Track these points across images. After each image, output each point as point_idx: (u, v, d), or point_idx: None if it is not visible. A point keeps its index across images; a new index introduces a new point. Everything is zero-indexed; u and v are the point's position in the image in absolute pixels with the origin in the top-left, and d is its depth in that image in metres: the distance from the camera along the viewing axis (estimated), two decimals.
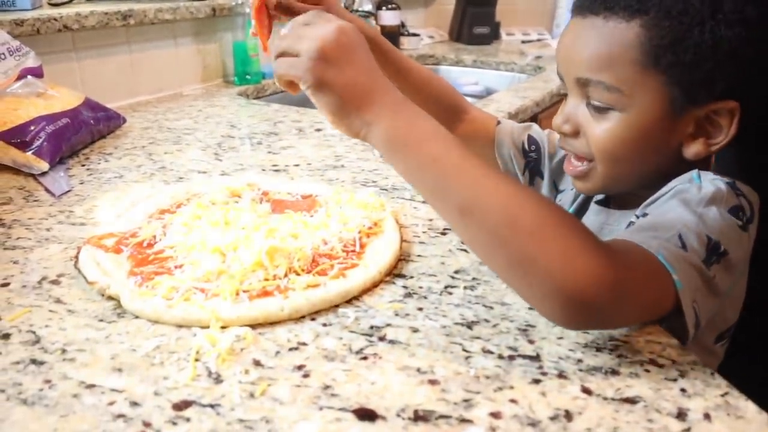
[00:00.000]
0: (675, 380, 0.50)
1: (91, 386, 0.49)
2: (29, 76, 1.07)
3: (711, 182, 0.61)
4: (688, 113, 0.63)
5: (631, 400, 0.47)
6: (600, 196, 0.79)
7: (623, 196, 0.75)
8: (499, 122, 0.92)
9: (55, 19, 1.25)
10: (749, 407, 0.46)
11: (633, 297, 0.51)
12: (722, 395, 0.48)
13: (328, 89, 0.54)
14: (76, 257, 0.68)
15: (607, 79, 0.63)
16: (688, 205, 0.58)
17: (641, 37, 0.61)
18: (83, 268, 0.64)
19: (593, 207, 0.79)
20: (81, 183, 0.94)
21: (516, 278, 0.50)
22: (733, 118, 0.63)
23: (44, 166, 0.96)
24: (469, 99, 1.82)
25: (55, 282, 0.65)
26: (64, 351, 0.53)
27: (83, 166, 1.02)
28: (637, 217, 0.62)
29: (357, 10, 1.96)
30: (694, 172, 0.63)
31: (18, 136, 0.97)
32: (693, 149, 0.65)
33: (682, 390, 0.49)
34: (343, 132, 0.56)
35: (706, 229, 0.56)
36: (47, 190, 0.90)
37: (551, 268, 0.47)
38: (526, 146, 0.90)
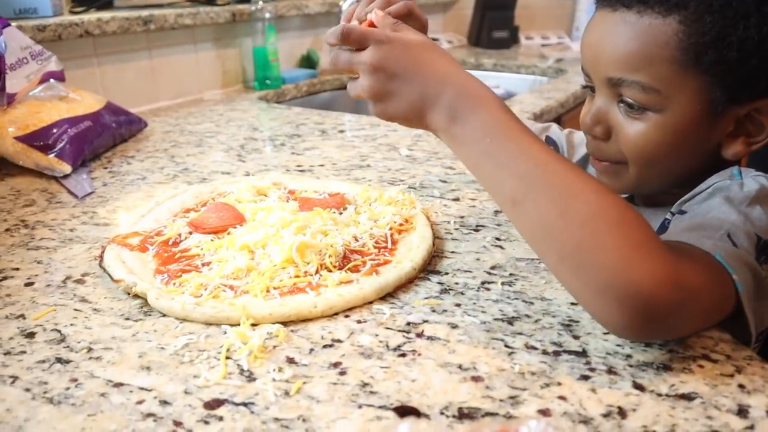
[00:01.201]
0: (732, 376, 0.47)
1: (118, 385, 0.47)
2: (51, 80, 1.06)
3: (754, 179, 0.58)
4: (729, 112, 0.59)
5: (687, 397, 0.45)
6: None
7: (652, 194, 0.72)
8: None
9: (77, 25, 1.25)
10: None
11: (696, 299, 0.47)
12: None
13: (390, 118, 0.58)
14: (101, 256, 0.66)
15: (643, 78, 0.59)
16: (731, 203, 0.55)
17: (680, 34, 0.57)
18: (109, 266, 0.63)
19: None
20: (104, 185, 0.93)
21: (569, 272, 0.47)
22: None
23: (67, 168, 0.95)
24: None
25: (79, 281, 0.63)
26: (90, 350, 0.52)
27: (105, 168, 1.01)
28: (673, 214, 0.59)
29: None
30: (734, 169, 0.60)
31: (40, 139, 0.96)
32: (733, 149, 0.61)
33: (741, 386, 0.46)
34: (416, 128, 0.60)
35: (753, 228, 0.53)
36: (70, 192, 0.89)
37: (608, 261, 0.44)
38: None
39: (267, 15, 1.62)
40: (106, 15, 1.32)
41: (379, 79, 0.56)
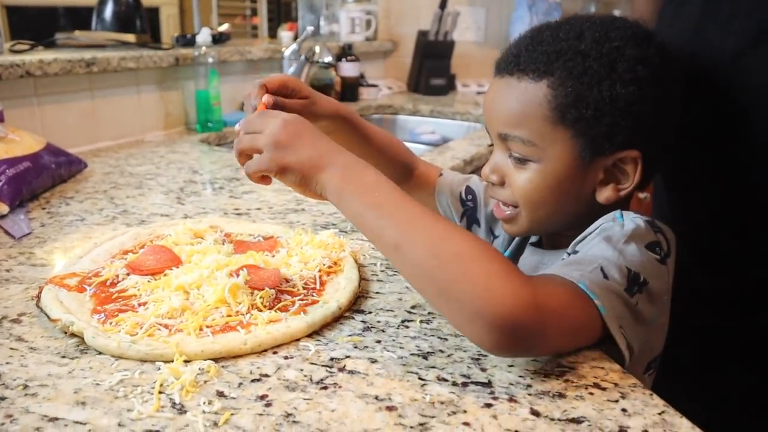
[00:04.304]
0: (617, 401, 0.53)
1: (54, 419, 0.50)
2: None
3: (632, 220, 0.67)
4: (596, 162, 0.69)
5: (576, 420, 0.50)
6: (534, 239, 0.84)
7: (554, 237, 0.80)
8: (441, 174, 0.99)
9: (18, 66, 1.27)
10: (683, 423, 0.50)
11: (556, 320, 0.55)
12: (659, 413, 0.51)
13: (289, 170, 0.64)
14: (38, 296, 0.68)
15: (523, 133, 0.69)
16: (610, 241, 0.63)
17: (549, 96, 0.67)
18: (46, 306, 0.65)
19: (528, 248, 0.84)
20: (42, 226, 0.94)
21: (445, 304, 0.55)
22: (637, 165, 0.69)
23: (4, 209, 0.97)
24: (426, 147, 1.89)
25: (16, 321, 0.65)
26: (26, 387, 0.54)
27: (44, 209, 1.02)
28: (569, 254, 0.66)
29: (317, 62, 2.02)
30: (617, 212, 0.69)
31: None
32: (604, 194, 0.71)
33: (623, 410, 0.52)
34: (309, 197, 0.66)
35: (625, 262, 0.61)
36: (7, 233, 0.91)
37: (474, 291, 0.52)
38: (463, 195, 0.97)
39: (210, 60, 1.67)
40: (48, 56, 1.34)
41: (286, 128, 0.65)
